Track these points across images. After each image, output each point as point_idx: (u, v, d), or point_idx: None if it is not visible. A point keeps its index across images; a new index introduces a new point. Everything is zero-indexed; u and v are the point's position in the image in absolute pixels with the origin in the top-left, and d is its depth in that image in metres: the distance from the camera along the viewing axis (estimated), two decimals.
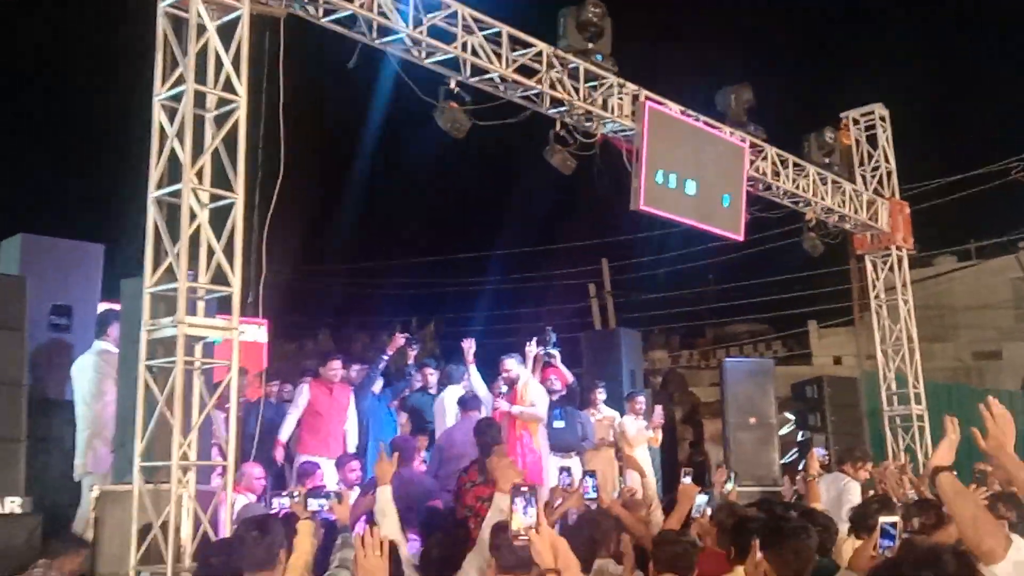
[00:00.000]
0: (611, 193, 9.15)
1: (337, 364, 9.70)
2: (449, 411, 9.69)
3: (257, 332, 13.16)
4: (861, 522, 5.43)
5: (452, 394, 9.81)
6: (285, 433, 9.19)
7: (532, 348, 9.77)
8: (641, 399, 11.43)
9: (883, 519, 4.75)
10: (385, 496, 5.47)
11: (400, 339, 9.99)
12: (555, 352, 10.78)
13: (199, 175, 5.86)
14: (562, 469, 7.76)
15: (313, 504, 6.03)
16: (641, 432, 10.86)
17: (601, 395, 10.67)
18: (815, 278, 24.36)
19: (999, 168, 21.48)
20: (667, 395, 18.11)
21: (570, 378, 11.04)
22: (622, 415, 11.68)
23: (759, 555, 4.25)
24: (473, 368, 9.73)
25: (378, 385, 9.98)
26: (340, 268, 26.81)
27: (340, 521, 5.17)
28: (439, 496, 8.10)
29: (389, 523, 5.43)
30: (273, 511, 5.97)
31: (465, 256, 25.62)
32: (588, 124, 8.80)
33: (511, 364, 9.39)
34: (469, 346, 9.66)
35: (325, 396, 9.39)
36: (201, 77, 5.94)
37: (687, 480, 6.70)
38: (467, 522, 6.28)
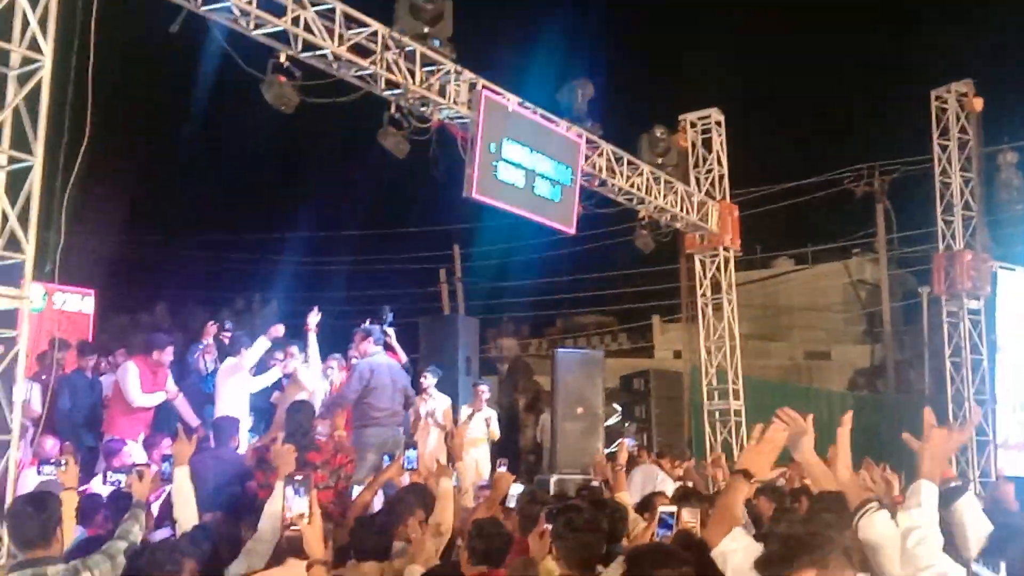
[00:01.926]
0: (446, 179, 9.16)
1: (171, 351, 9.46)
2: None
3: (81, 303, 12.65)
4: (644, 508, 5.65)
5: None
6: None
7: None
8: (484, 388, 11.59)
9: (662, 508, 4.95)
10: (181, 476, 5.36)
11: (212, 328, 9.84)
12: (390, 331, 10.78)
13: None
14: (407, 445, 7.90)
15: (114, 478, 5.92)
16: (479, 426, 11.07)
17: (427, 381, 10.70)
18: (659, 274, 25.11)
19: (834, 177, 22.56)
20: (512, 382, 18.36)
21: (404, 359, 11.08)
22: (456, 401, 11.81)
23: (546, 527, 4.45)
24: (313, 337, 9.84)
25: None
26: (180, 241, 25.95)
27: (136, 496, 5.05)
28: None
29: (183, 503, 5.33)
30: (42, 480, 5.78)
31: (315, 235, 25.19)
32: (423, 109, 8.78)
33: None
34: (314, 317, 9.76)
35: (149, 378, 9.13)
36: (5, 34, 5.65)
37: (503, 469, 6.80)
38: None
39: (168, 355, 9.24)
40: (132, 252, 23.39)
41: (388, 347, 10.76)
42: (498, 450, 11.79)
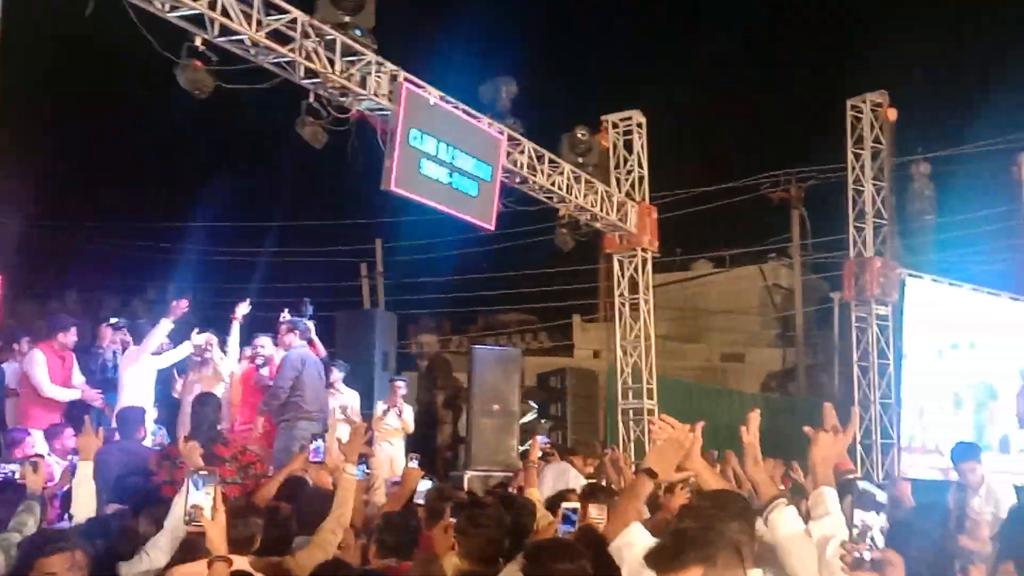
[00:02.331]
0: (366, 171, 9.07)
1: (75, 332, 9.21)
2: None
3: None
4: (554, 506, 5.65)
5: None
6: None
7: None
8: (400, 384, 11.52)
9: (565, 505, 4.97)
10: (83, 470, 5.20)
11: (107, 331, 9.66)
12: (310, 324, 10.66)
13: None
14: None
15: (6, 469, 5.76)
16: (393, 421, 11.03)
17: (334, 375, 10.62)
18: (580, 273, 25.28)
19: (752, 183, 22.98)
20: (431, 379, 18.28)
21: (323, 352, 10.98)
22: (372, 397, 11.74)
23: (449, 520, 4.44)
24: (236, 327, 9.85)
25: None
26: (92, 227, 25.23)
27: (30, 488, 4.90)
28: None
29: (82, 497, 5.18)
30: None
31: (234, 225, 24.73)
32: (343, 99, 8.68)
33: (264, 341, 9.64)
34: (243, 308, 9.84)
35: (56, 364, 8.89)
36: None
37: (414, 464, 6.79)
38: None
39: (72, 336, 9.02)
40: (42, 237, 22.69)
41: (308, 341, 10.66)
42: (414, 446, 11.74)
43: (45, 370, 8.70)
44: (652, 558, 2.62)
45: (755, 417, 3.77)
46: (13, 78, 5.98)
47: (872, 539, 2.71)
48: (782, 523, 3.16)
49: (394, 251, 26.44)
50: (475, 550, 4.37)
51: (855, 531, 2.76)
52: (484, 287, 28.69)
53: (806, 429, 3.86)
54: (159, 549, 4.26)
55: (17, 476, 5.52)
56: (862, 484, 2.85)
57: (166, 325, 9.06)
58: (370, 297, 25.91)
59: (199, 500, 3.48)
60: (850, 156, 14.25)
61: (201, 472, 3.57)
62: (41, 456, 6.39)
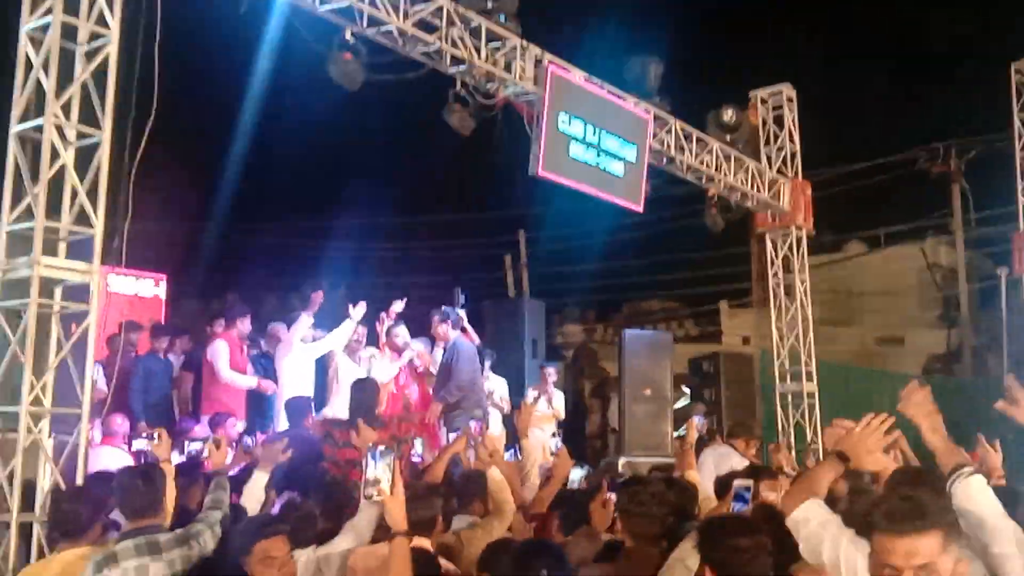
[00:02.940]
0: (512, 160, 9.06)
1: (248, 320, 9.82)
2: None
3: (155, 288, 12.85)
4: (723, 488, 5.49)
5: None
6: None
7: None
8: (551, 370, 11.53)
9: (737, 483, 4.82)
10: (259, 479, 5.29)
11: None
12: (462, 313, 10.77)
13: (65, 111, 5.61)
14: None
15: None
16: (543, 405, 11.03)
17: (485, 363, 10.68)
18: (727, 258, 24.74)
19: (907, 158, 21.95)
20: (577, 368, 18.22)
21: (477, 341, 11.07)
22: (523, 385, 11.75)
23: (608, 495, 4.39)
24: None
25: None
26: (250, 226, 26.20)
27: (216, 465, 5.08)
28: None
29: (250, 499, 5.25)
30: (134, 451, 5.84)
31: (379, 220, 25.28)
32: (489, 85, 8.67)
33: (402, 332, 9.83)
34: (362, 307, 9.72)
35: (236, 353, 9.44)
36: (72, 9, 5.67)
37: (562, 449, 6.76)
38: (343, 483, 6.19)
39: (247, 325, 9.62)
40: (203, 239, 23.71)
41: (462, 329, 10.78)
42: (564, 436, 11.72)
43: (226, 357, 9.24)
44: (889, 516, 2.46)
45: (916, 387, 3.36)
46: (170, 75, 6.16)
47: None
48: (969, 494, 2.92)
49: (537, 241, 26.50)
50: (637, 528, 4.28)
51: None
52: (629, 274, 28.46)
53: (999, 404, 3.68)
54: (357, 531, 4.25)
55: (205, 454, 5.74)
56: None
57: (306, 320, 9.30)
58: (515, 288, 26.04)
59: (378, 474, 3.47)
60: (1016, 121, 13.41)
61: (379, 446, 3.56)
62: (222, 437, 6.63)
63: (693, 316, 34.53)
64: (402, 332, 9.94)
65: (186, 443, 7.19)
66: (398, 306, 10.13)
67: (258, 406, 9.61)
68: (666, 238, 23.44)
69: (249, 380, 9.40)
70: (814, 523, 3.07)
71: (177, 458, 7.26)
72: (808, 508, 3.13)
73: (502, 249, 26.77)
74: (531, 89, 8.82)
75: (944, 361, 25.96)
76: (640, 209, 10.14)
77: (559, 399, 11.39)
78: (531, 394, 11.22)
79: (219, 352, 9.32)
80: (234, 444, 7.98)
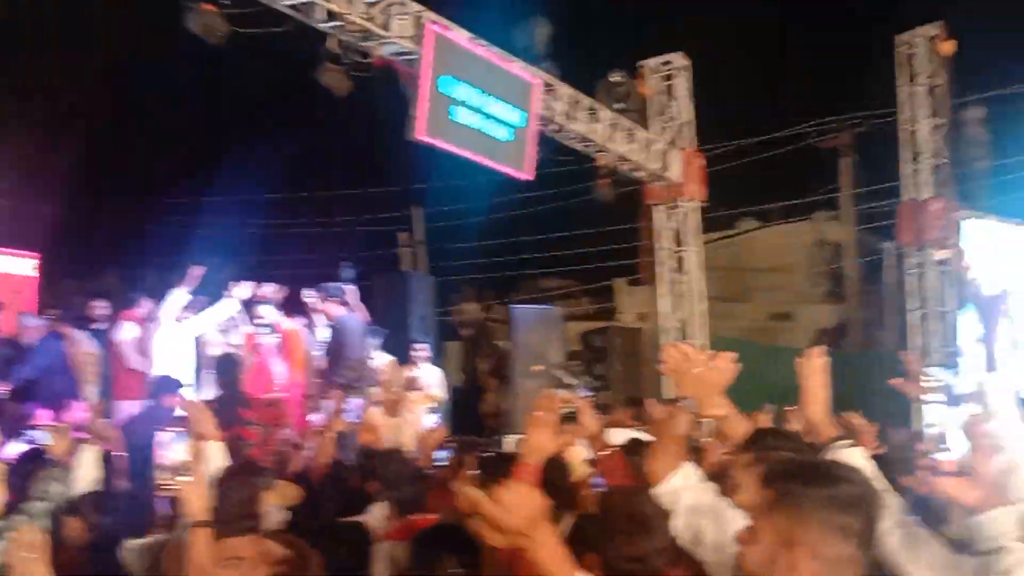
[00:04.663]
0: (391, 120, 8.62)
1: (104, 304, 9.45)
2: None
3: (22, 265, 12.10)
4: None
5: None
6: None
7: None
8: (421, 346, 11.15)
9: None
10: (88, 456, 4.81)
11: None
12: (350, 290, 10.35)
13: None
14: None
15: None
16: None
17: (371, 340, 10.27)
18: (622, 234, 24.71)
19: (797, 133, 22.19)
20: (475, 347, 17.96)
21: (366, 317, 10.69)
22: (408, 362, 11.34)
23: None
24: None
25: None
26: (126, 203, 25.06)
27: (54, 455, 4.62)
28: None
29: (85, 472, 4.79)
30: None
31: (266, 194, 24.40)
32: (365, 44, 8.20)
33: (268, 311, 9.39)
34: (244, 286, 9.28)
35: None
36: None
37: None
38: None
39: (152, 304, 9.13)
40: (77, 217, 22.56)
41: (348, 305, 10.36)
42: (461, 415, 11.42)
43: (134, 339, 8.89)
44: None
45: (816, 353, 3.30)
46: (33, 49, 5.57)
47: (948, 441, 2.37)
48: (854, 464, 2.70)
49: (434, 218, 26.07)
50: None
51: (931, 431, 2.37)
52: (525, 252, 28.26)
53: (893, 382, 3.64)
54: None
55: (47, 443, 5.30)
56: (939, 374, 2.45)
57: (179, 296, 8.78)
58: (411, 265, 25.58)
59: (176, 459, 3.08)
60: (903, 94, 13.52)
61: (176, 429, 3.17)
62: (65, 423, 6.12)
63: (589, 293, 34.58)
64: (267, 312, 9.48)
65: (27, 430, 6.60)
66: (268, 289, 9.64)
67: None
68: (563, 215, 23.25)
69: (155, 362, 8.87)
70: (690, 493, 2.76)
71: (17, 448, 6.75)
72: (683, 475, 2.81)
73: (398, 226, 26.30)
74: (411, 48, 8.39)
75: (832, 335, 26.45)
76: (528, 176, 9.83)
77: (434, 376, 11.04)
78: (406, 373, 10.86)
79: (126, 334, 8.96)
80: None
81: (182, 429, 3.19)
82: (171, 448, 3.15)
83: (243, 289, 9.11)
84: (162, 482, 3.17)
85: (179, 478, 3.08)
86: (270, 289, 9.79)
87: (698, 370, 3.02)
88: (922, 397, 3.52)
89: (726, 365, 3.03)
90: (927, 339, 13.33)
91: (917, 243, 13.31)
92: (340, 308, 9.25)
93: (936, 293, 13.34)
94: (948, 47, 13.11)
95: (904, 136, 13.53)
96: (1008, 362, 2.80)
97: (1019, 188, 17.49)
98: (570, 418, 3.74)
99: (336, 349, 8.88)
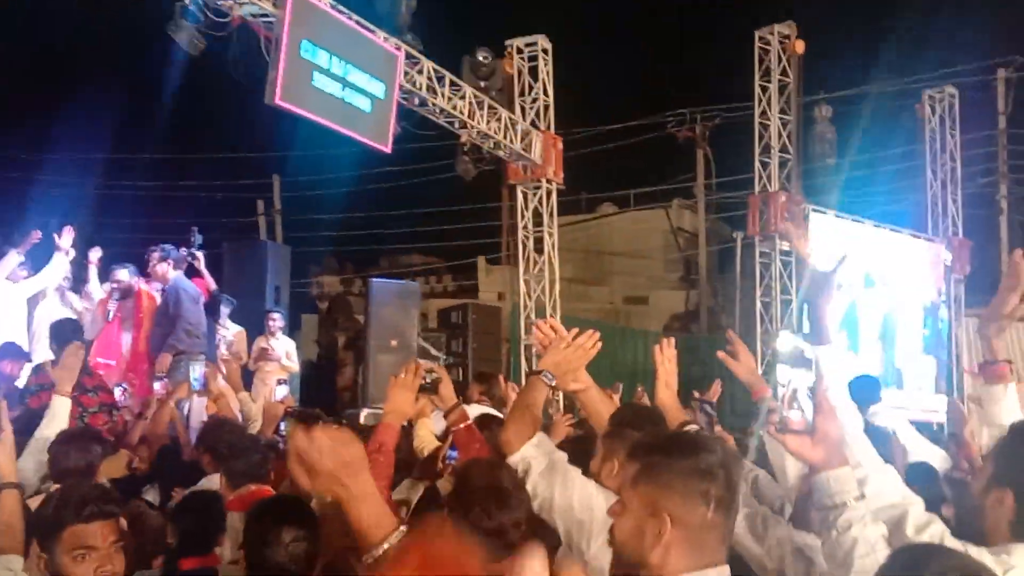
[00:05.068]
0: (247, 83, 8.37)
1: None
2: None
3: None
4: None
5: None
6: None
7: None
8: (276, 316, 10.95)
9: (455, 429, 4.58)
10: None
11: None
12: (199, 255, 10.02)
13: None
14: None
15: None
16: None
17: (222, 309, 10.03)
18: (485, 213, 24.80)
19: (656, 122, 22.72)
20: (332, 320, 17.72)
21: (213, 286, 10.38)
22: (263, 332, 11.11)
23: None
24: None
25: None
26: None
27: None
28: None
29: None
30: None
31: (118, 157, 23.37)
32: (223, 2, 7.94)
33: (122, 274, 8.88)
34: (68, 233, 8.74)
35: None
36: None
37: (282, 393, 6.53)
38: None
39: None
40: None
41: (196, 272, 10.04)
42: (315, 387, 11.23)
43: None
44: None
45: (669, 343, 3.68)
46: None
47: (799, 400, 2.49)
48: None
49: (293, 186, 25.52)
50: None
51: (782, 390, 2.52)
52: (387, 226, 28.03)
53: (720, 355, 3.77)
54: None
55: None
56: (789, 338, 2.57)
57: (13, 257, 8.33)
58: (268, 235, 24.98)
59: None
60: (757, 89, 13.99)
61: None
62: None
63: (452, 271, 34.57)
64: (123, 275, 9.08)
65: None
66: (95, 254, 9.23)
67: None
68: (424, 189, 23.14)
69: None
70: (542, 465, 2.83)
71: None
72: (538, 444, 2.88)
73: (255, 194, 25.65)
74: (270, 10, 8.17)
75: (683, 320, 27.27)
76: (387, 149, 9.73)
77: (287, 347, 10.87)
78: (260, 343, 10.67)
79: None
80: None
81: None
82: None
83: (65, 238, 8.61)
84: None
85: None
86: (95, 254, 9.35)
87: (564, 345, 3.09)
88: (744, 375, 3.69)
89: (590, 343, 3.15)
90: (772, 325, 13.88)
91: (764, 233, 13.84)
92: (175, 272, 8.93)
93: (780, 282, 13.90)
94: (799, 46, 13.64)
95: (756, 129, 14.01)
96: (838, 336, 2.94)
97: (862, 186, 18.47)
98: (428, 388, 3.74)
99: (169, 313, 8.57)
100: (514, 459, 2.85)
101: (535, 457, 2.83)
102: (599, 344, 3.14)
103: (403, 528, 1.71)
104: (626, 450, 2.40)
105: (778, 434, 2.36)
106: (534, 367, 10.70)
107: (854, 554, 2.20)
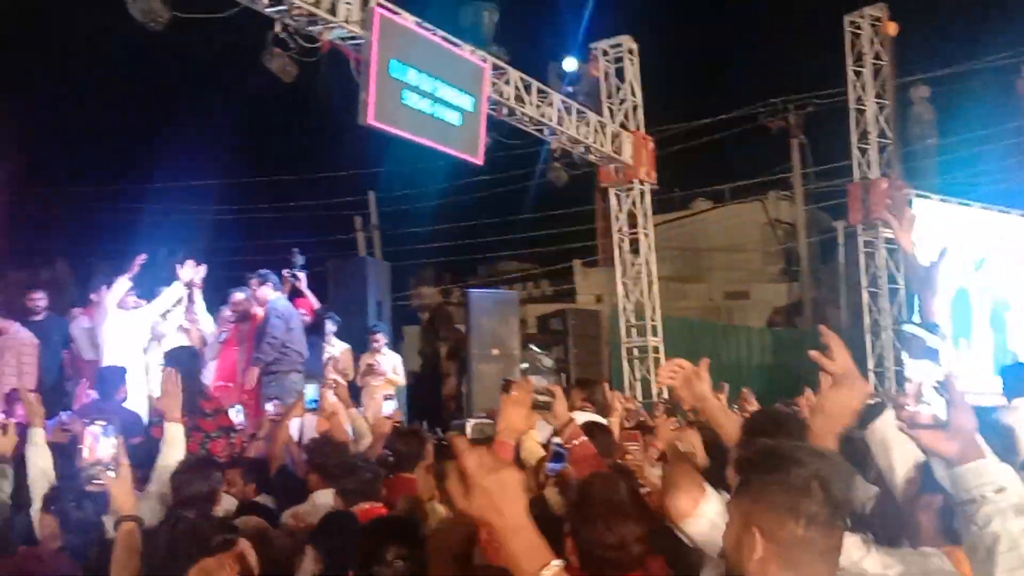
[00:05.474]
0: (341, 106, 8.54)
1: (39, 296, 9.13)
2: None
3: None
4: None
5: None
6: None
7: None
8: (379, 335, 11.08)
9: (554, 440, 4.56)
10: (36, 438, 4.75)
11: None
12: (301, 275, 10.25)
13: None
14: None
15: None
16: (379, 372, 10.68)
17: (328, 327, 10.19)
18: (579, 215, 24.75)
19: (747, 114, 22.34)
20: (433, 331, 17.90)
21: (316, 304, 10.58)
22: (365, 348, 11.29)
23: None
24: (197, 293, 9.15)
25: None
26: (73, 190, 24.59)
27: None
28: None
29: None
30: None
31: (220, 182, 24.09)
32: (312, 28, 8.12)
33: (240, 297, 9.11)
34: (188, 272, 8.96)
35: None
36: None
37: (390, 409, 6.62)
38: None
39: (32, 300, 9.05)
40: (24, 204, 22.13)
41: (299, 292, 10.25)
42: (421, 400, 11.36)
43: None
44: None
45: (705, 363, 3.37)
46: None
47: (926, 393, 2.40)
48: None
49: (390, 202, 25.89)
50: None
51: (909, 386, 2.40)
52: (481, 235, 28.22)
53: (812, 354, 3.62)
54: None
55: None
56: (910, 328, 2.48)
57: (123, 283, 8.62)
58: (366, 250, 25.40)
59: (100, 448, 3.02)
60: (850, 74, 13.68)
61: (99, 421, 3.09)
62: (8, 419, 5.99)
63: (548, 276, 34.61)
64: (239, 299, 9.32)
65: None
66: (188, 272, 9.38)
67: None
68: (519, 198, 23.23)
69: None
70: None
71: None
72: (712, 504, 2.57)
73: (353, 210, 26.10)
74: (358, 33, 8.31)
75: (786, 314, 26.77)
76: (479, 161, 9.81)
77: (392, 362, 11.00)
78: (365, 360, 10.83)
79: (79, 325, 8.88)
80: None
81: (107, 423, 3.12)
82: (99, 442, 3.07)
83: (187, 271, 8.88)
84: (89, 476, 3.11)
85: (107, 473, 3.04)
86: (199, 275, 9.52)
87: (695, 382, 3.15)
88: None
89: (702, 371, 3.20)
90: (879, 316, 13.52)
91: (866, 222, 13.49)
92: (275, 293, 9.12)
93: (886, 271, 13.52)
94: (892, 28, 13.27)
95: (852, 115, 13.68)
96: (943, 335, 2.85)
97: (965, 167, 17.81)
98: (542, 406, 3.72)
99: (264, 332, 8.78)
100: (693, 528, 2.55)
101: (718, 519, 2.48)
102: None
103: (558, 562, 1.68)
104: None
105: (910, 430, 2.30)
106: (636, 370, 10.69)
107: (997, 549, 2.14)
